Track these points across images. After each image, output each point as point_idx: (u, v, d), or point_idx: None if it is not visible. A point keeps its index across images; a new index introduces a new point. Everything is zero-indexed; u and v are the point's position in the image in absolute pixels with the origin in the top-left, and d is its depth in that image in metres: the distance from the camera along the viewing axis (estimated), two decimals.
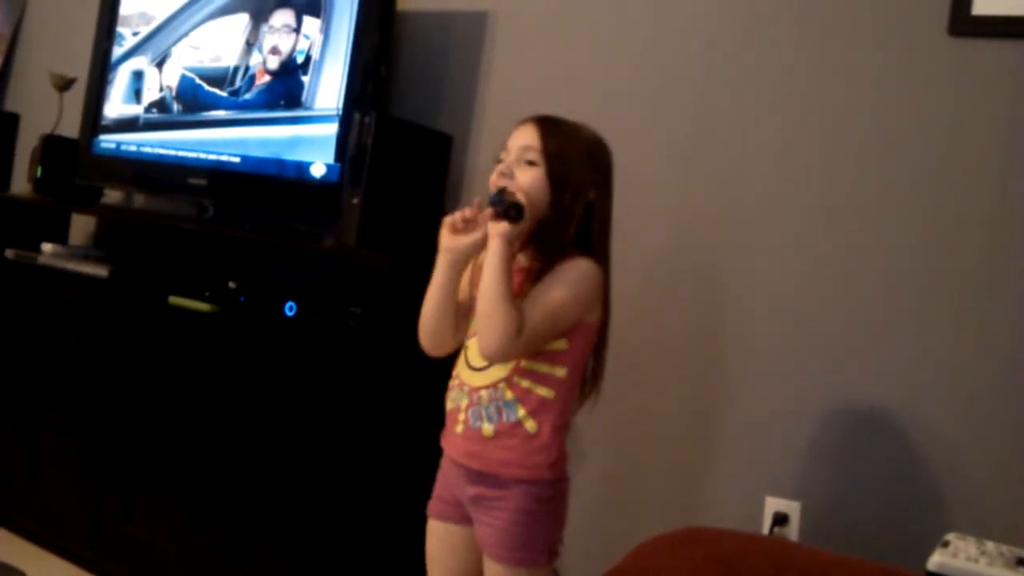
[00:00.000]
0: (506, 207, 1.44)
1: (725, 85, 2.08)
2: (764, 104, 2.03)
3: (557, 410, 1.51)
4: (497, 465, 1.50)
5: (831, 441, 1.90)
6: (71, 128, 2.94)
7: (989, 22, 1.79)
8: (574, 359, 1.51)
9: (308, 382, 2.14)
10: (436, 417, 1.61)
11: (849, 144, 1.93)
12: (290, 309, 2.22)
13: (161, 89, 2.73)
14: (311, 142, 2.35)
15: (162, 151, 2.68)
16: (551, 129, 1.52)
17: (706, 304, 2.07)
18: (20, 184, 3.18)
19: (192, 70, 2.66)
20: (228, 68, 2.56)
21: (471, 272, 1.59)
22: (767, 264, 2.00)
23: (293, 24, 2.44)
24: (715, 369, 2.04)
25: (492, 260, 1.44)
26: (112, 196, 3.07)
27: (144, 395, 2.43)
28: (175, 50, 2.71)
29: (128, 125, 2.79)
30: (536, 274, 1.50)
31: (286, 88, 2.43)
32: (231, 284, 2.35)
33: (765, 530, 1.93)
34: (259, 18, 2.52)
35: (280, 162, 2.40)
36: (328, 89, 2.33)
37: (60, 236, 3.08)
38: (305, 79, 2.39)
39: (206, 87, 2.61)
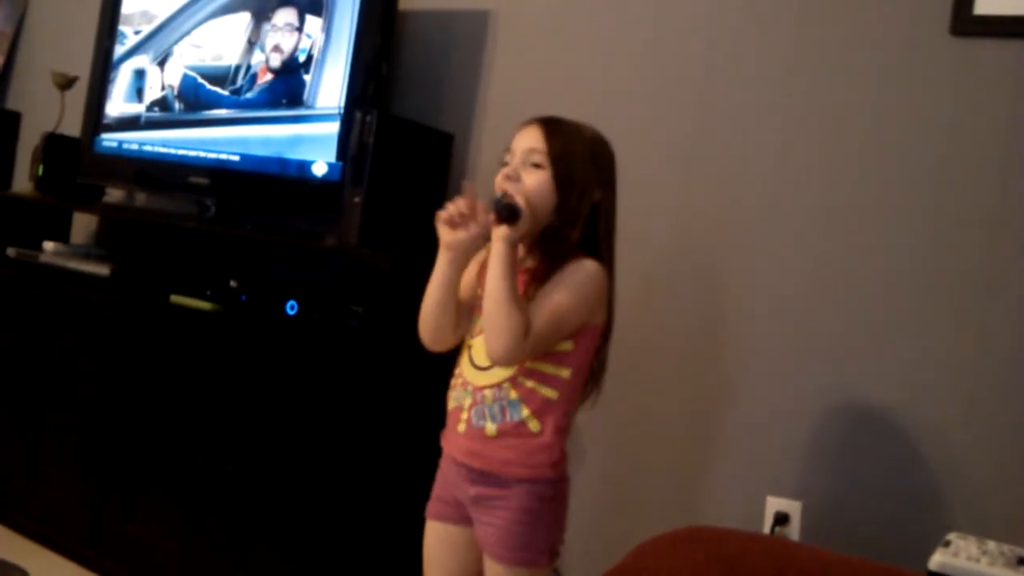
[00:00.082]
0: (499, 209, 1.44)
1: (726, 85, 2.08)
2: (765, 104, 2.03)
3: (560, 411, 1.51)
4: (499, 464, 1.50)
5: (832, 441, 1.90)
6: (73, 127, 2.94)
7: (991, 22, 1.79)
8: (579, 360, 1.52)
9: (309, 381, 2.14)
10: (437, 416, 1.61)
11: (850, 144, 1.93)
12: (291, 308, 2.22)
13: (163, 88, 2.73)
14: (313, 141, 2.35)
15: (164, 150, 2.68)
16: (555, 131, 1.52)
17: (706, 304, 2.07)
18: (22, 183, 3.18)
19: (194, 69, 2.66)
20: (230, 67, 2.56)
21: (475, 270, 1.59)
22: (767, 264, 2.00)
23: (296, 23, 2.44)
24: (715, 369, 2.04)
25: (495, 263, 1.44)
26: (114, 195, 3.08)
27: (145, 394, 2.44)
28: (177, 49, 2.71)
29: (130, 124, 2.79)
30: (541, 275, 1.50)
31: (288, 87, 2.43)
32: (232, 283, 2.35)
33: (766, 530, 1.93)
34: (261, 17, 2.52)
35: (282, 161, 2.40)
36: (330, 88, 2.34)
37: (62, 235, 3.08)
38: (307, 78, 2.39)
39: (208, 86, 2.61)
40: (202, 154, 2.57)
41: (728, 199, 2.06)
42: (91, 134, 2.86)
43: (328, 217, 2.31)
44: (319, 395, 2.12)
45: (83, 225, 3.18)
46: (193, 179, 2.58)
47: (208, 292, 2.37)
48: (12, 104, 3.48)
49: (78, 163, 2.88)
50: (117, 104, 2.83)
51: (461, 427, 1.53)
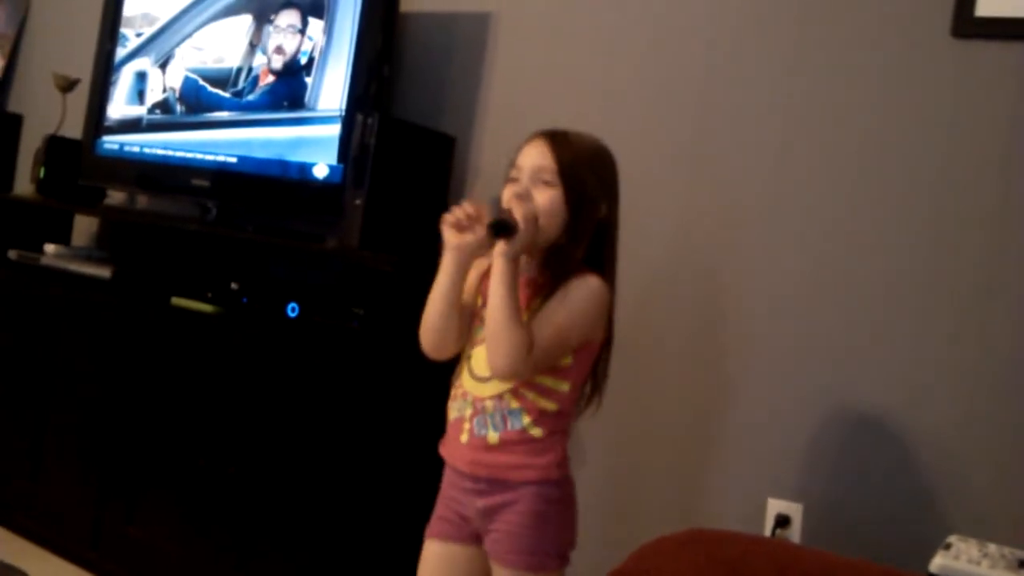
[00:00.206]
0: (491, 225, 1.45)
1: (726, 85, 2.08)
2: (765, 105, 2.03)
3: (561, 419, 1.53)
4: (504, 470, 1.50)
5: (832, 442, 1.90)
6: (74, 129, 2.94)
7: (992, 23, 1.79)
8: (577, 374, 1.53)
9: (310, 383, 2.14)
10: (438, 418, 1.61)
11: (850, 145, 1.93)
12: (293, 310, 2.22)
13: (164, 90, 2.73)
14: (314, 143, 2.35)
15: (165, 152, 2.68)
16: (564, 148, 1.51)
17: (707, 304, 2.07)
18: (23, 185, 3.19)
19: (195, 71, 2.66)
20: (231, 69, 2.57)
21: (475, 277, 1.58)
22: (768, 264, 2.00)
23: (298, 25, 2.44)
24: (716, 369, 2.04)
25: (496, 281, 1.45)
26: (115, 197, 3.08)
27: (146, 396, 2.44)
28: (178, 51, 2.71)
29: (131, 126, 2.79)
30: (544, 289, 1.51)
31: (289, 89, 2.43)
32: (234, 285, 2.35)
33: (767, 532, 1.93)
34: (262, 19, 2.52)
35: (283, 163, 2.40)
36: (331, 90, 2.34)
37: (63, 237, 3.08)
38: (308, 80, 2.39)
39: (209, 88, 2.61)
40: (203, 156, 2.57)
41: (728, 199, 2.06)
42: (92, 136, 2.87)
43: (329, 219, 2.32)
44: (320, 397, 2.12)
45: (84, 227, 3.18)
46: (194, 181, 2.58)
47: (209, 294, 2.37)
48: (14, 106, 3.48)
49: (79, 165, 2.89)
50: (118, 106, 2.84)
51: (464, 437, 1.53)
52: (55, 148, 2.93)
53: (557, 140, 1.52)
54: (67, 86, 3.04)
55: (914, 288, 1.84)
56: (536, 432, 1.50)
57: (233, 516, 2.22)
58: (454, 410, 1.57)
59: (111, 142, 2.83)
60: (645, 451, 2.12)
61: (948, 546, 1.48)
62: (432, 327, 1.56)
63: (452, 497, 1.58)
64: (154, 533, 2.38)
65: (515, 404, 1.50)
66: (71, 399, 2.62)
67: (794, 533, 1.91)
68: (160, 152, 2.70)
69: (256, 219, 2.51)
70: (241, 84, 2.54)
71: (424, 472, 1.70)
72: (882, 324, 1.87)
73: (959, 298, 1.80)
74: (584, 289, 1.49)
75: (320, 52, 2.38)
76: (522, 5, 2.39)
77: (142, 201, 3.06)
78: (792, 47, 2.00)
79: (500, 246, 1.45)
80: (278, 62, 2.46)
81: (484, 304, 1.51)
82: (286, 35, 2.46)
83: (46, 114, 3.15)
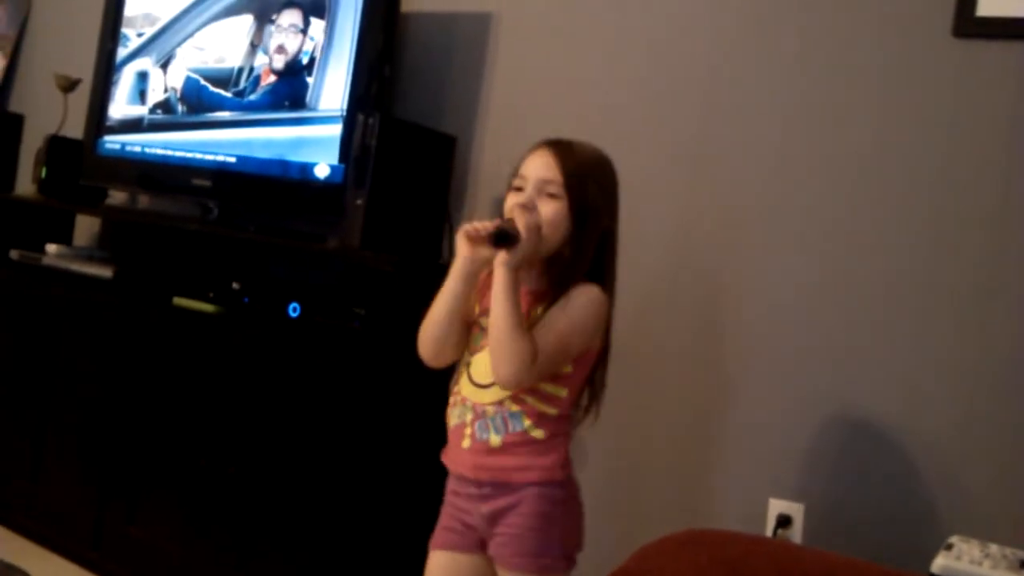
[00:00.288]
0: (491, 234, 1.45)
1: (727, 86, 2.08)
2: (767, 105, 2.03)
3: (561, 422, 1.53)
4: (508, 472, 1.50)
5: (833, 442, 1.90)
6: (75, 129, 2.95)
7: (993, 23, 1.79)
8: (576, 381, 1.54)
9: (312, 383, 2.14)
10: (439, 419, 1.61)
11: (851, 145, 1.93)
12: (294, 310, 2.22)
13: (166, 90, 2.73)
14: (315, 143, 2.35)
15: (166, 152, 2.68)
16: (569, 159, 1.51)
17: (708, 304, 2.07)
18: (25, 185, 3.19)
19: (196, 71, 2.66)
20: (232, 69, 2.57)
21: (478, 289, 1.58)
22: (768, 264, 2.00)
23: (300, 24, 2.44)
24: (717, 370, 2.04)
25: (499, 291, 1.45)
26: (116, 197, 3.08)
27: (148, 396, 2.44)
28: (180, 51, 2.71)
29: (132, 126, 2.79)
30: (546, 298, 1.51)
31: (290, 89, 2.44)
32: (235, 285, 2.35)
33: (769, 532, 1.93)
34: (263, 19, 2.52)
35: (284, 163, 2.40)
36: (332, 90, 2.34)
37: (64, 237, 3.08)
38: (309, 80, 2.39)
39: (210, 88, 2.61)
40: (205, 156, 2.57)
41: (729, 200, 2.06)
42: (94, 136, 2.87)
43: (330, 219, 2.32)
44: (321, 397, 2.12)
45: (86, 227, 3.18)
46: (196, 181, 2.58)
47: (210, 294, 2.38)
48: (15, 106, 3.48)
49: (81, 165, 2.89)
50: (120, 106, 2.84)
51: (466, 443, 1.53)
52: (56, 148, 2.93)
53: (563, 151, 1.52)
54: (68, 86, 3.04)
55: (914, 288, 1.84)
56: (538, 434, 1.50)
57: (234, 516, 2.22)
58: (454, 416, 1.56)
59: (112, 142, 2.83)
60: (646, 451, 2.12)
61: (950, 546, 1.48)
62: (432, 336, 1.56)
63: (456, 505, 1.57)
64: (155, 533, 2.38)
65: (515, 408, 1.50)
66: (72, 399, 2.62)
67: (795, 533, 1.91)
68: (161, 152, 2.70)
69: (257, 219, 2.51)
70: (242, 84, 2.54)
71: (424, 473, 1.70)
72: (882, 324, 1.87)
73: (959, 298, 1.80)
74: (585, 297, 1.50)
75: (321, 52, 2.38)
76: (522, 5, 2.39)
77: (143, 201, 3.07)
78: (792, 47, 2.00)
79: (501, 256, 1.45)
80: (279, 62, 2.47)
81: (482, 313, 1.51)
82: (287, 35, 2.46)
83: (47, 114, 3.15)
